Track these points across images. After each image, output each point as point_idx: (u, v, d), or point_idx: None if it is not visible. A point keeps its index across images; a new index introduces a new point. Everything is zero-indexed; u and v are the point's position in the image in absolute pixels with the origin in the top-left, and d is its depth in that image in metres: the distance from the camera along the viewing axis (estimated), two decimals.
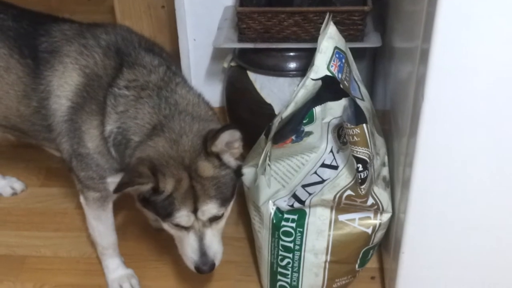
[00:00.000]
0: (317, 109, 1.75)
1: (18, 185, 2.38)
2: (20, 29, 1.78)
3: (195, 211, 1.52)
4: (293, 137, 1.76)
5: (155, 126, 1.56)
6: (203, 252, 1.59)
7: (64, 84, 1.68)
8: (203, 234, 1.57)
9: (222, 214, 1.58)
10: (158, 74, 1.65)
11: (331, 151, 1.70)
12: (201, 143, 1.51)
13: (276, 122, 1.75)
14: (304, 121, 1.76)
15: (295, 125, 1.78)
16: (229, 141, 1.51)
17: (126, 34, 1.75)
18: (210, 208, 1.53)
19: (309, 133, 1.75)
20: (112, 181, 1.71)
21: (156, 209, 1.54)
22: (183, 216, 1.52)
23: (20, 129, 1.85)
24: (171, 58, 1.81)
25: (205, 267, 1.60)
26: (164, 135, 1.53)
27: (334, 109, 1.74)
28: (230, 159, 1.55)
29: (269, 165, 1.75)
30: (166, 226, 1.60)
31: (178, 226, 1.56)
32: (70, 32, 1.75)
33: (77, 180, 1.77)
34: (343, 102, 1.73)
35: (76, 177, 1.76)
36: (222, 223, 1.61)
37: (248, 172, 1.84)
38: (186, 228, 1.57)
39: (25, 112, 1.77)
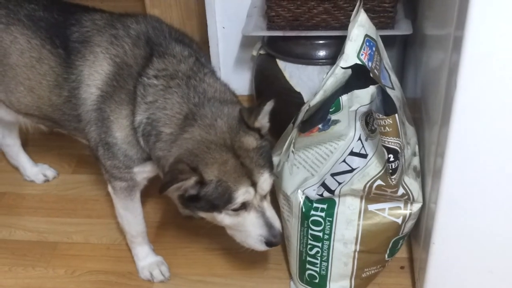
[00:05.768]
0: (344, 98, 1.74)
1: (50, 172, 2.42)
2: (51, 19, 1.79)
3: (253, 184, 1.54)
4: (320, 126, 1.75)
5: (187, 116, 1.56)
6: (269, 225, 1.60)
7: (95, 73, 1.70)
8: (263, 208, 1.60)
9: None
10: (188, 64, 1.65)
11: (359, 139, 1.69)
12: (238, 121, 1.54)
13: (304, 109, 1.73)
14: (330, 110, 1.75)
15: (324, 113, 1.77)
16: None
17: (157, 24, 1.75)
18: (266, 178, 1.56)
19: (336, 121, 1.74)
20: (139, 170, 1.73)
21: (210, 202, 1.53)
22: (244, 193, 1.53)
23: (51, 118, 1.87)
24: (200, 49, 1.82)
25: (276, 239, 1.62)
26: (197, 124, 1.54)
27: (361, 97, 1.72)
28: (264, 132, 1.60)
29: (292, 152, 1.75)
30: (221, 217, 1.59)
31: (237, 210, 1.57)
32: (101, 22, 1.77)
33: (104, 169, 1.78)
34: (370, 90, 1.71)
35: (102, 166, 1.78)
36: (268, 195, 1.64)
37: (276, 160, 1.84)
38: (246, 209, 1.57)
39: (57, 102, 1.80)
